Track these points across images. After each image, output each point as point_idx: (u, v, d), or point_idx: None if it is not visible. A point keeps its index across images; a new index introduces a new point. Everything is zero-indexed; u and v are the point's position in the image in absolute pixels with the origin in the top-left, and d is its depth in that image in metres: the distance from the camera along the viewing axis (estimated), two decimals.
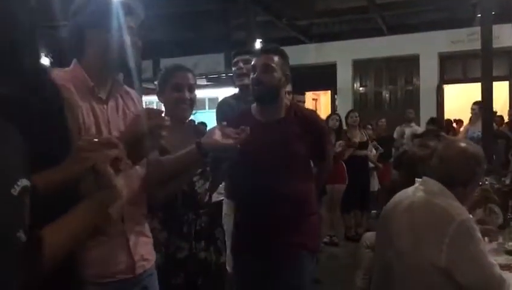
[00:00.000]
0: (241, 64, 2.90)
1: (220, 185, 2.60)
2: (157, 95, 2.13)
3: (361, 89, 11.07)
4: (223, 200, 2.98)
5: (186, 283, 1.99)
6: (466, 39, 9.36)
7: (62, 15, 1.44)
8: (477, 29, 6.54)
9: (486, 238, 2.22)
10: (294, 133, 2.13)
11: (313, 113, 2.75)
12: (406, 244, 1.81)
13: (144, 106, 1.74)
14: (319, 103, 12.73)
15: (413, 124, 7.82)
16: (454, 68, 10.41)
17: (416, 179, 1.98)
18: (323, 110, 11.59)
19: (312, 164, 2.33)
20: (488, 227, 2.36)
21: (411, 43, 9.89)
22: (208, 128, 1.95)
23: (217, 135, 1.59)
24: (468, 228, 1.71)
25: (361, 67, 10.99)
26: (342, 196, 5.53)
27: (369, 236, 2.33)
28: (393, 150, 7.02)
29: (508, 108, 8.76)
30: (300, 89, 9.01)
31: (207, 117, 10.01)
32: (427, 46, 9.85)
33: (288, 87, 2.80)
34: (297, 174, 2.13)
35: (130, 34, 1.44)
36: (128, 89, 1.62)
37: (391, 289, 1.89)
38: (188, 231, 2.00)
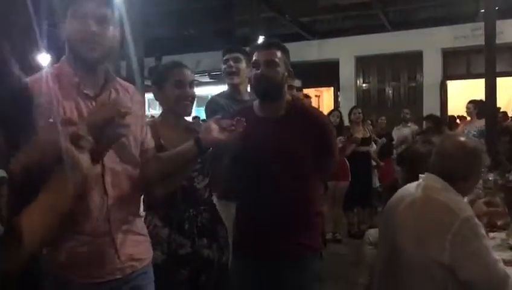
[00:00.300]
0: (231, 63, 2.82)
1: None
2: (153, 93, 2.11)
3: (364, 85, 11.04)
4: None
5: (189, 280, 2.00)
6: (469, 35, 9.31)
7: (61, 12, 1.42)
8: (481, 24, 6.50)
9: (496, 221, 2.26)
10: (296, 130, 2.10)
11: (316, 110, 2.71)
12: (409, 241, 1.81)
13: (147, 104, 1.73)
14: (322, 99, 12.67)
15: (410, 124, 7.69)
16: (457, 64, 10.36)
17: (419, 175, 1.98)
18: (326, 107, 11.52)
19: (316, 161, 2.29)
20: (494, 209, 2.36)
21: (414, 39, 9.85)
22: None
23: (214, 130, 1.57)
24: (472, 225, 1.70)
25: (364, 64, 10.96)
26: (344, 193, 5.52)
27: (373, 233, 2.33)
28: (394, 150, 6.98)
29: None
30: (303, 85, 8.98)
31: None
32: (430, 42, 9.81)
33: (298, 83, 2.76)
34: (299, 171, 2.10)
35: (98, 24, 1.38)
36: (123, 82, 1.59)
37: (394, 285, 1.89)
38: (190, 228, 2.00)
